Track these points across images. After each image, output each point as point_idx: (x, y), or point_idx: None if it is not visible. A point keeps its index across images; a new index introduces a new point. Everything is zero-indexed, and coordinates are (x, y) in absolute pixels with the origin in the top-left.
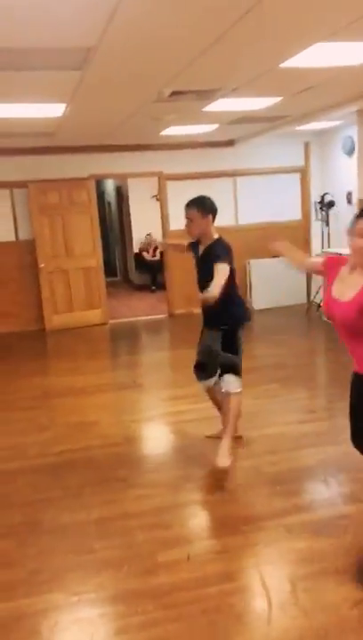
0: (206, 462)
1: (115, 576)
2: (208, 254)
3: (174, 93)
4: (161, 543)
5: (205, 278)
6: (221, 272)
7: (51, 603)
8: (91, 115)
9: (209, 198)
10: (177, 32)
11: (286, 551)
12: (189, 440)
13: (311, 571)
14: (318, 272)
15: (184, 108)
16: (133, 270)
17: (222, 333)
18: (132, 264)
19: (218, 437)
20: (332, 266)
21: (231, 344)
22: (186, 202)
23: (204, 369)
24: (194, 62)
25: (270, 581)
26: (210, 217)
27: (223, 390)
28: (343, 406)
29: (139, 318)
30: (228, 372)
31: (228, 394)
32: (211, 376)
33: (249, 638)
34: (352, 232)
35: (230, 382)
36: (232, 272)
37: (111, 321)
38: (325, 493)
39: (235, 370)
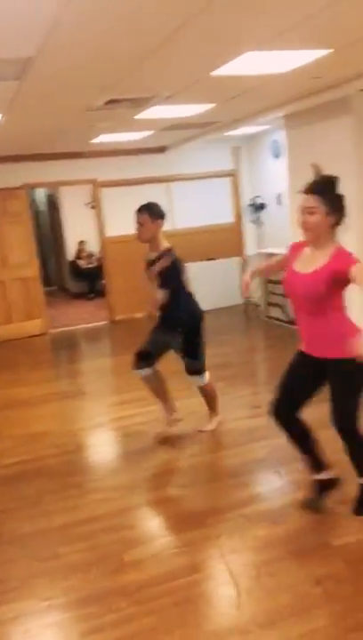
0: (162, 462)
1: (83, 578)
2: (161, 268)
3: (110, 102)
4: (126, 543)
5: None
6: (164, 295)
7: (20, 610)
8: (27, 124)
9: (157, 204)
10: (115, 44)
11: (247, 539)
12: (142, 442)
13: (273, 556)
14: (285, 261)
15: (118, 116)
16: (68, 279)
17: (183, 336)
18: (67, 272)
19: (165, 434)
20: (295, 249)
21: (193, 347)
22: (123, 208)
23: (145, 358)
24: (131, 72)
25: (236, 569)
26: (159, 221)
27: (197, 386)
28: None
29: (79, 327)
30: (193, 374)
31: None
32: (149, 366)
33: (220, 624)
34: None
35: (199, 380)
36: (181, 277)
37: (51, 330)
38: (277, 483)
39: (199, 372)
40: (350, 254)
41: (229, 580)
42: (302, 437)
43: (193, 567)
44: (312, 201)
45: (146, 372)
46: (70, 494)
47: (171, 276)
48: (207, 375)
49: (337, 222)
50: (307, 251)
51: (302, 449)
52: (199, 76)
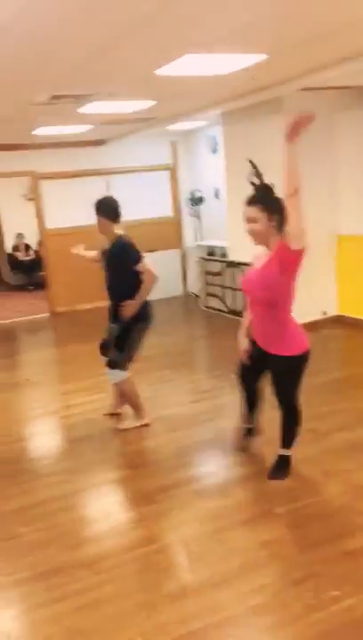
0: (111, 445)
1: (45, 554)
2: (114, 254)
3: (54, 97)
4: (83, 520)
5: (112, 277)
6: (148, 266)
7: None
8: None
9: (106, 198)
10: (63, 46)
11: (197, 511)
12: (93, 427)
13: (222, 524)
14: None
15: (60, 110)
16: (6, 271)
17: (120, 327)
18: (5, 265)
19: (114, 414)
20: (257, 258)
21: (124, 340)
22: (63, 201)
23: (105, 347)
24: (77, 70)
25: (188, 538)
26: (103, 218)
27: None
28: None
29: (21, 319)
30: (109, 366)
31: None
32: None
33: (177, 587)
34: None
35: (111, 375)
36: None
37: None
38: (224, 460)
39: (114, 365)
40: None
41: (182, 548)
42: (253, 396)
43: (148, 539)
44: (253, 211)
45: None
46: (24, 479)
47: (118, 259)
48: (124, 376)
49: (280, 224)
50: (262, 252)
51: (249, 405)
52: (143, 74)
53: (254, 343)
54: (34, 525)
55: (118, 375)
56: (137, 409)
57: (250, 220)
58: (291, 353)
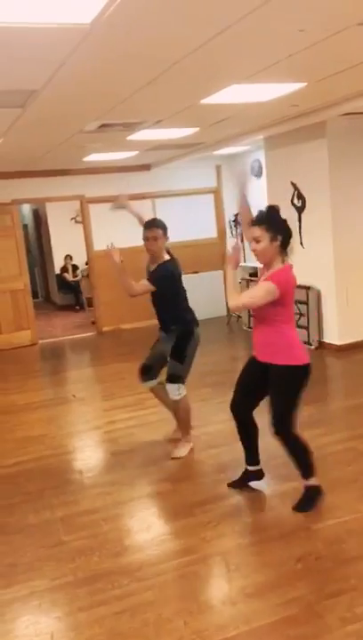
0: (155, 460)
1: (88, 560)
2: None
3: (103, 126)
4: (126, 530)
5: (156, 297)
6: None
7: (33, 588)
8: (21, 145)
9: (160, 219)
10: (114, 80)
11: (235, 525)
12: (136, 442)
13: (259, 538)
14: None
15: (110, 138)
16: (55, 291)
17: (175, 338)
18: (53, 285)
19: (175, 439)
20: None
21: (181, 351)
22: (109, 224)
23: (147, 372)
24: (126, 101)
25: (225, 550)
26: (167, 236)
27: (170, 398)
28: (266, 404)
29: (68, 337)
30: (169, 380)
31: (174, 400)
32: (152, 378)
33: (214, 596)
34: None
35: (171, 391)
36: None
37: (41, 341)
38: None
39: (174, 379)
40: (277, 273)
41: (220, 559)
42: (248, 432)
43: (187, 549)
44: (258, 231)
45: (150, 384)
46: (70, 489)
47: (165, 284)
48: (183, 391)
49: (283, 245)
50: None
51: (245, 442)
52: (189, 104)
53: (252, 360)
54: (78, 534)
55: (180, 390)
56: (187, 430)
57: (254, 240)
58: (292, 363)
